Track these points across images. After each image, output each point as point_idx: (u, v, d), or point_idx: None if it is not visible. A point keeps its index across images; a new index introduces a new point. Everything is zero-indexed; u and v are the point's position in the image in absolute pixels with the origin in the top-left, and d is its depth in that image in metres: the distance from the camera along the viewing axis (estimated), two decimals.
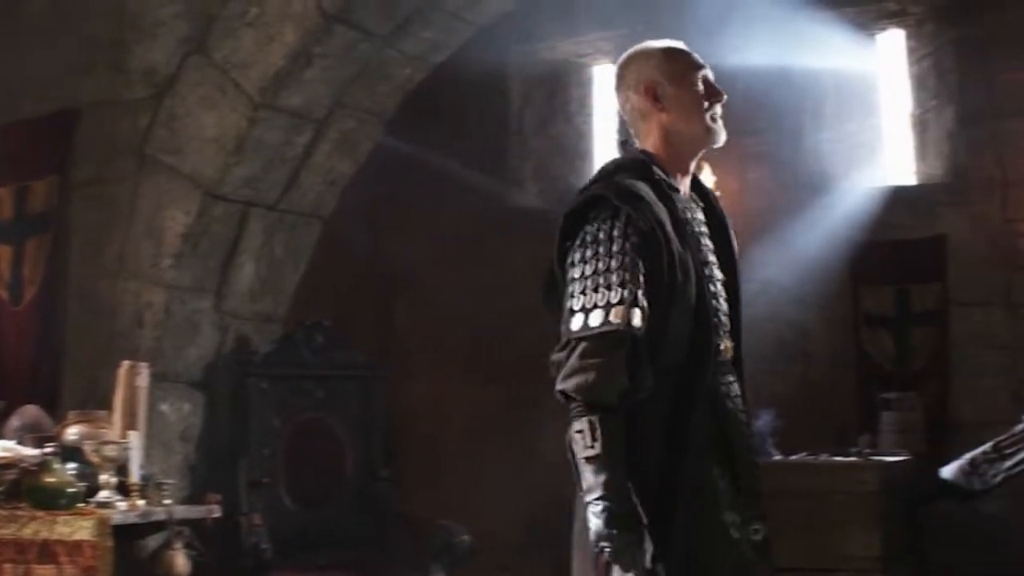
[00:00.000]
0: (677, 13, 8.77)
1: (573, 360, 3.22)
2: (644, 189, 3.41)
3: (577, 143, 10.72)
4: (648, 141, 3.61)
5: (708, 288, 3.47)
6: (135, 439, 6.47)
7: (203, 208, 7.36)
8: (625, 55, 3.76)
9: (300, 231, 7.99)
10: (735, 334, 3.62)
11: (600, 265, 3.27)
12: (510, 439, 9.42)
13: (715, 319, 3.48)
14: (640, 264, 3.28)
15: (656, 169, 3.53)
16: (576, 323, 3.25)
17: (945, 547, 7.97)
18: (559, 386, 3.24)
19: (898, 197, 8.94)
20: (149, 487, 6.55)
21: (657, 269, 3.30)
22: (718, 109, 3.61)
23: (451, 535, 7.41)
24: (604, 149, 10.58)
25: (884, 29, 9.74)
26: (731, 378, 3.57)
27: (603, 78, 10.73)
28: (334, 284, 9.51)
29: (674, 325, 3.33)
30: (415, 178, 9.68)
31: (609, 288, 3.24)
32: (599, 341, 3.20)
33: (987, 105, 8.85)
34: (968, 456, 7.54)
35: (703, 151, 3.70)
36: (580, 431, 3.19)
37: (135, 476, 6.45)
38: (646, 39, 9.34)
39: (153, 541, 6.74)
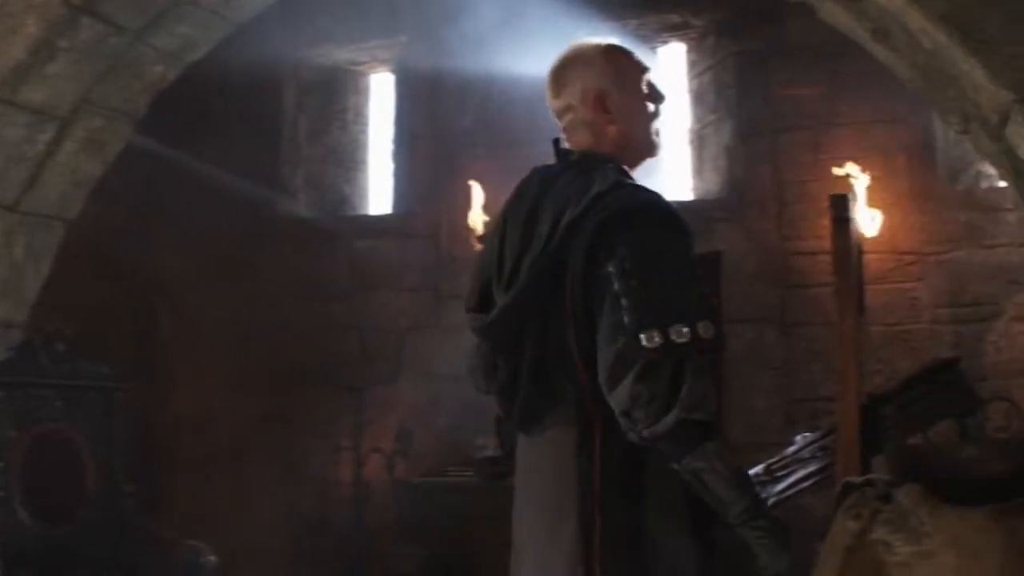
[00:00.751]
0: (456, 21, 8.67)
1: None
2: None
3: (353, 152, 10.50)
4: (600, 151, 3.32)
5: None
6: None
7: None
8: (561, 58, 3.43)
9: (42, 234, 7.48)
10: None
11: (682, 275, 3.00)
12: (274, 454, 9.19)
13: None
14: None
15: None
16: (677, 337, 2.89)
17: (717, 572, 7.81)
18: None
19: None
20: None
21: None
22: (661, 115, 3.40)
23: (197, 555, 7.07)
24: (380, 159, 10.41)
25: (666, 42, 9.69)
26: None
27: (381, 86, 10.54)
28: (95, 292, 9.05)
29: None
30: (183, 184, 9.30)
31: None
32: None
33: (766, 120, 8.85)
34: None
35: (642, 163, 3.41)
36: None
37: None
38: (423, 48, 9.18)
39: None
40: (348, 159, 10.44)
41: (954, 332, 8.35)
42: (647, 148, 3.39)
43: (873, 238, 8.03)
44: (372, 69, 10.51)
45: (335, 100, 10.46)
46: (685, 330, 2.87)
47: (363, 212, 10.34)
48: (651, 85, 3.39)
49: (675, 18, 9.40)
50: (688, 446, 2.89)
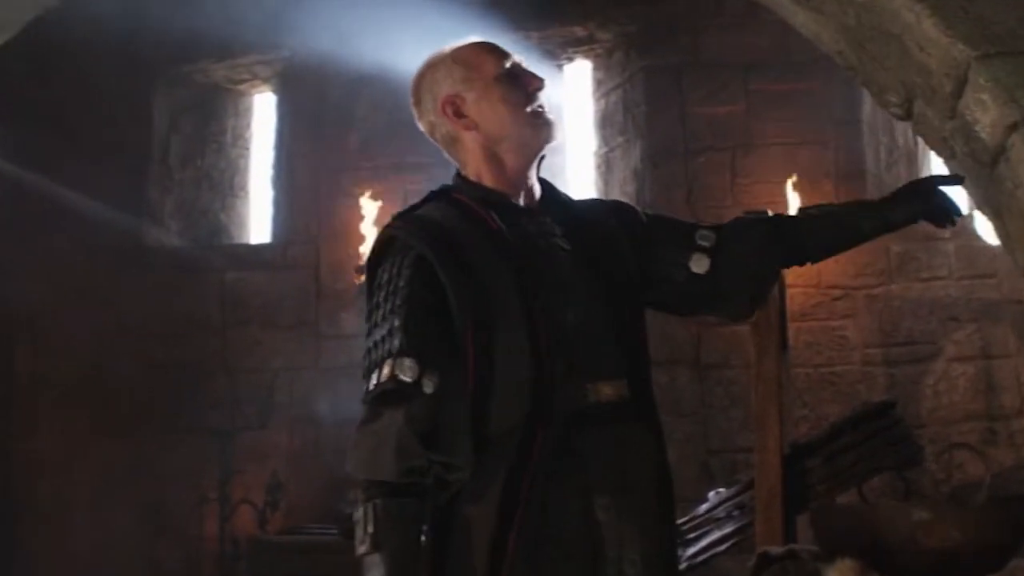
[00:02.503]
0: (342, 38, 8.33)
1: (354, 432, 2.73)
2: (447, 217, 2.85)
3: (231, 177, 9.98)
4: (470, 167, 2.96)
5: (559, 317, 2.78)
6: None
7: None
8: (415, 74, 3.04)
9: None
10: (632, 369, 2.89)
11: (378, 316, 2.77)
12: (135, 504, 8.61)
13: (569, 356, 2.76)
14: (420, 304, 2.73)
15: (464, 191, 2.93)
16: (367, 385, 2.74)
17: None
18: (349, 467, 2.72)
19: None
20: None
21: (464, 308, 2.71)
22: (540, 98, 2.94)
23: None
24: (261, 184, 9.90)
25: (571, 59, 9.31)
26: (623, 428, 2.82)
27: (263, 107, 10.05)
28: None
29: (502, 374, 2.70)
30: (43, 210, 8.78)
31: (384, 340, 2.72)
32: (373, 406, 2.69)
33: (678, 141, 8.47)
34: None
35: (539, 153, 2.96)
36: (356, 521, 2.63)
37: None
38: (307, 64, 8.63)
39: None
40: (225, 184, 9.96)
41: (887, 374, 8.11)
42: (529, 139, 2.93)
43: (796, 270, 7.46)
44: (254, 88, 10.05)
45: (212, 121, 9.97)
46: (374, 378, 2.69)
47: (242, 241, 9.87)
48: (515, 70, 2.94)
49: (580, 31, 9.03)
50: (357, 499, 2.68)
